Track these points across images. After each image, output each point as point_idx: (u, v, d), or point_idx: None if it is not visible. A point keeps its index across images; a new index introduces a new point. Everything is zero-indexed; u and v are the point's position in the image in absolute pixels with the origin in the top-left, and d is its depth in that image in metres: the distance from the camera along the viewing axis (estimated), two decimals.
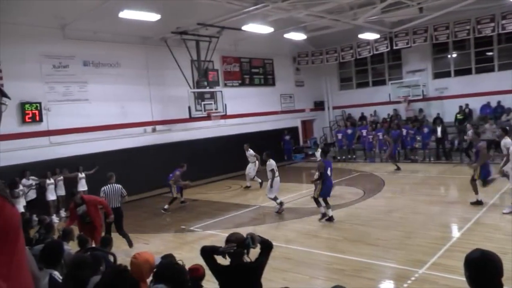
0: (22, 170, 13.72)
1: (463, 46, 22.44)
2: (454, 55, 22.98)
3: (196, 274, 4.97)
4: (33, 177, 13.91)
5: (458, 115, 21.35)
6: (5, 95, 1.83)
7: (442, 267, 7.28)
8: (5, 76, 13.92)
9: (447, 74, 23.01)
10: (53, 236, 7.83)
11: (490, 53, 21.72)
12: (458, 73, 22.68)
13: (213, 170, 19.35)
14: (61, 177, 14.53)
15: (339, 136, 24.02)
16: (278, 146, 23.95)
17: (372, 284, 7.09)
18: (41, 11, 14.38)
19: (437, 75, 23.37)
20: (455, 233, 9.53)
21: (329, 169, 11.14)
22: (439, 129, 20.05)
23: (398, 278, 7.17)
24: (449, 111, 22.14)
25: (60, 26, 15.42)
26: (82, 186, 14.82)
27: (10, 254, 1.51)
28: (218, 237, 10.68)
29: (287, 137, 24.31)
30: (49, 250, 4.62)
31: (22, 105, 14.55)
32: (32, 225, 8.64)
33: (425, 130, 20.48)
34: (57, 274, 4.34)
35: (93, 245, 7.43)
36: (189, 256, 7.30)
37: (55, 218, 13.48)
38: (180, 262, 4.47)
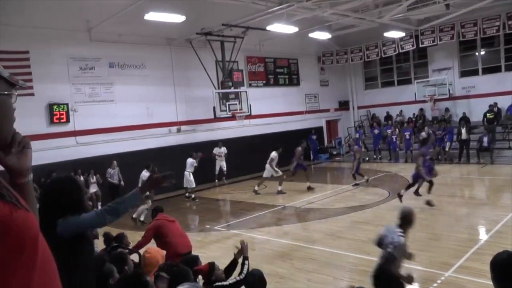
0: (49, 171, 13.95)
1: (491, 43, 21.96)
2: (482, 53, 22.49)
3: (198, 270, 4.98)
4: None
5: (488, 114, 20.90)
6: (15, 84, 1.40)
7: (470, 271, 7.14)
8: (35, 78, 14.28)
9: (474, 73, 22.52)
10: None
11: None
12: (486, 71, 22.19)
13: (238, 170, 19.39)
14: (82, 179, 14.70)
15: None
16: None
17: None
18: (69, 15, 14.67)
19: (464, 74, 22.90)
20: (483, 235, 9.33)
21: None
22: (463, 130, 19.67)
23: (424, 281, 7.06)
24: (476, 110, 21.73)
25: (87, 29, 15.72)
26: (93, 188, 14.93)
27: (28, 272, 1.19)
28: (242, 236, 10.74)
29: (314, 137, 24.21)
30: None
31: (51, 106, 14.89)
32: None
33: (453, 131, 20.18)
34: None
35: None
36: (213, 255, 7.37)
37: None
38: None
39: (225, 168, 18.27)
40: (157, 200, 16.28)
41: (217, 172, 18.34)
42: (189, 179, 15.50)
